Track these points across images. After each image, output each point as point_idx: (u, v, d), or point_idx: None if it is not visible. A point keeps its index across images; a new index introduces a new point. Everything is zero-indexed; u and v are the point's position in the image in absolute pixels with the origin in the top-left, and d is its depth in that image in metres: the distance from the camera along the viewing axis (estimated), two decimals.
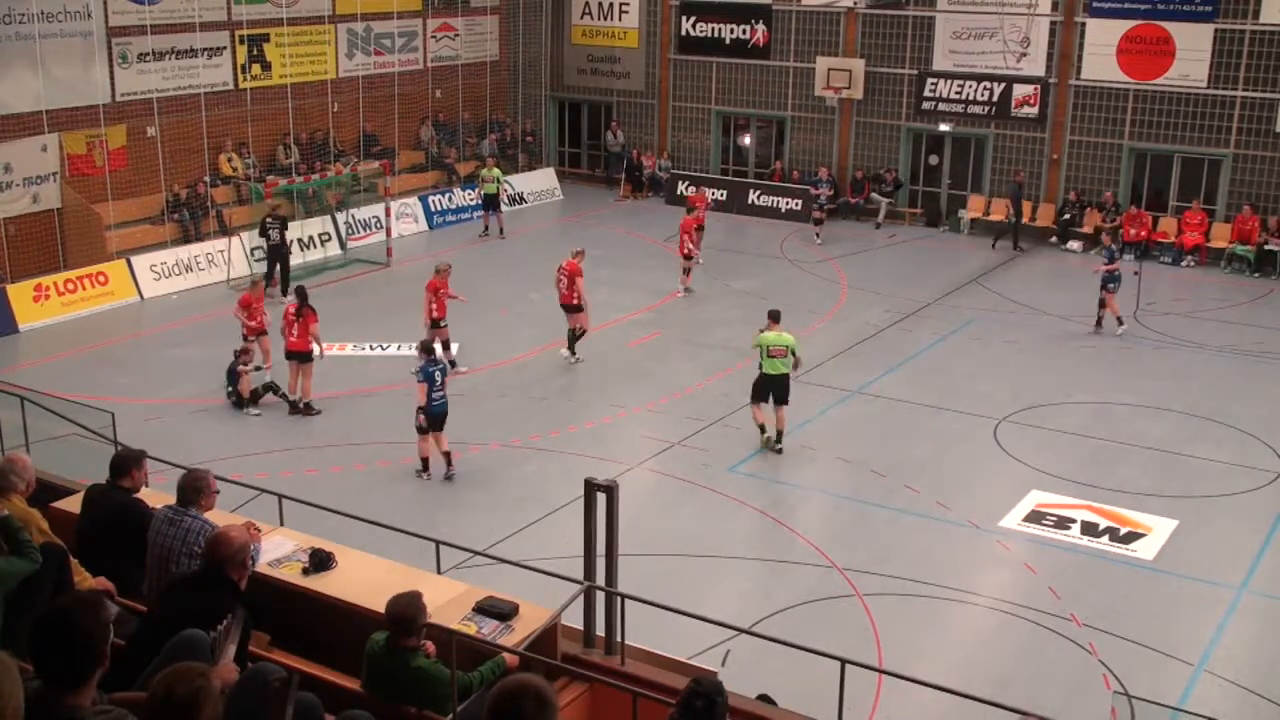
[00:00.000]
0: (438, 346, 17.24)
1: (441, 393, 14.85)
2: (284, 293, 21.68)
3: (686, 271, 22.98)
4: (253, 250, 23.86)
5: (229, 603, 6.03)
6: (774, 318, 16.19)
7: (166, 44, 24.76)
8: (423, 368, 14.82)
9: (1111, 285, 20.58)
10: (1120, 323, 20.83)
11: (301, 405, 17.03)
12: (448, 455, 15.02)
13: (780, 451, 15.92)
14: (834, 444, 16.41)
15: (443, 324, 18.35)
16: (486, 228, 27.47)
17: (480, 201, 27.93)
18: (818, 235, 27.06)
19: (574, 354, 19.07)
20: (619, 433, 16.62)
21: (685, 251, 22.79)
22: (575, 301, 18.87)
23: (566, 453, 15.77)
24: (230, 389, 17.36)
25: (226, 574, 6.16)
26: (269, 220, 22.77)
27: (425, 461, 15.08)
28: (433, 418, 14.85)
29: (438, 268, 18.76)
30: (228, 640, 5.44)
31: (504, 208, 28.13)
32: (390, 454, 15.71)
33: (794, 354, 15.89)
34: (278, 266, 22.75)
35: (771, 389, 15.92)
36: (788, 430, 15.91)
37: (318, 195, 25.47)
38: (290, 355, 17.03)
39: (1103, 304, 20.83)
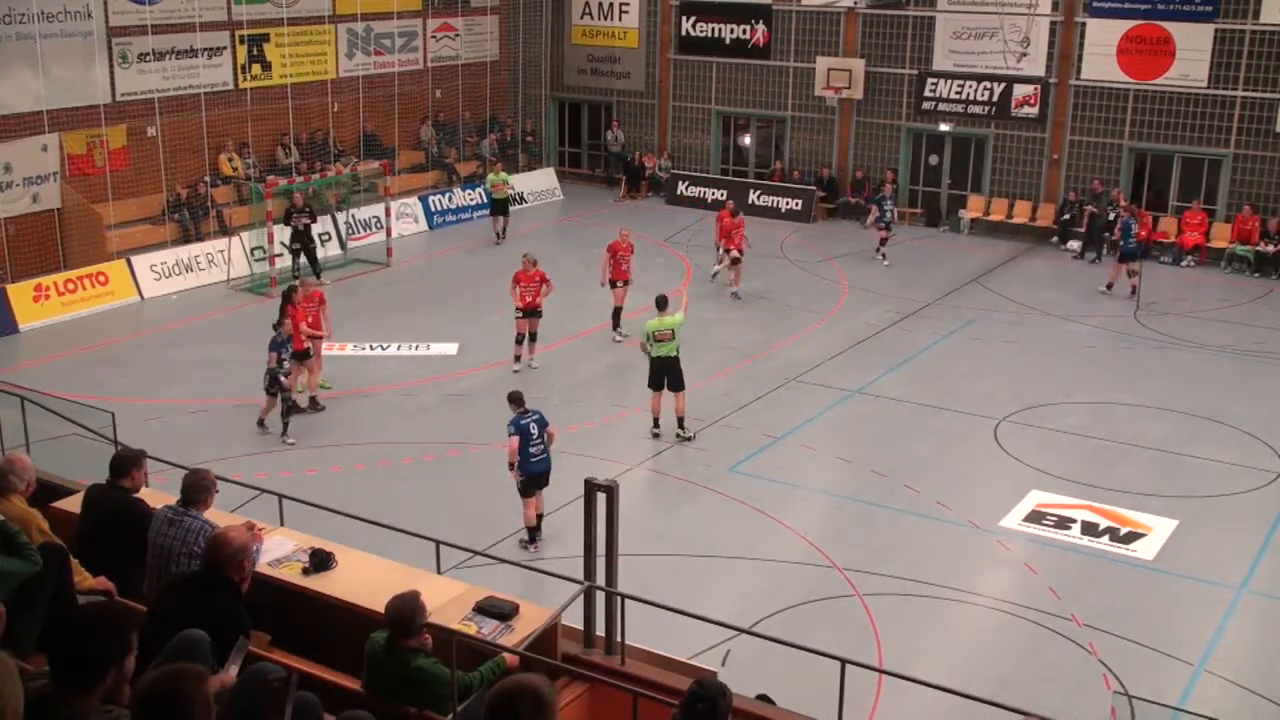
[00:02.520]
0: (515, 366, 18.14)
1: (540, 446, 13.01)
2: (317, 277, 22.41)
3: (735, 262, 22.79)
4: (252, 251, 23.88)
5: (229, 604, 6.04)
6: (660, 305, 16.38)
7: (167, 44, 24.76)
8: (514, 420, 13.03)
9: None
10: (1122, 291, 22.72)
11: (308, 400, 17.12)
12: (540, 519, 13.31)
13: (691, 438, 16.09)
14: (834, 444, 16.41)
15: (520, 315, 18.50)
16: (498, 234, 26.68)
17: (489, 205, 27.17)
18: (883, 256, 25.09)
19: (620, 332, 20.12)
20: (619, 433, 16.61)
21: (739, 246, 22.54)
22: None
23: (567, 453, 15.70)
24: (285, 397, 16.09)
25: (226, 575, 6.16)
26: (296, 211, 23.15)
27: (531, 531, 13.33)
28: (532, 478, 13.06)
29: (525, 259, 18.70)
30: (234, 658, 5.46)
31: (511, 209, 27.36)
32: (390, 454, 15.70)
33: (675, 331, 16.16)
34: (302, 257, 23.28)
35: (664, 374, 16.08)
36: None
37: (318, 195, 25.46)
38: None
39: (1132, 274, 22.60)
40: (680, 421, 16.21)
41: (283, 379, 15.89)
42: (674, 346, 16.03)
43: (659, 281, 23.34)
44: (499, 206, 26.83)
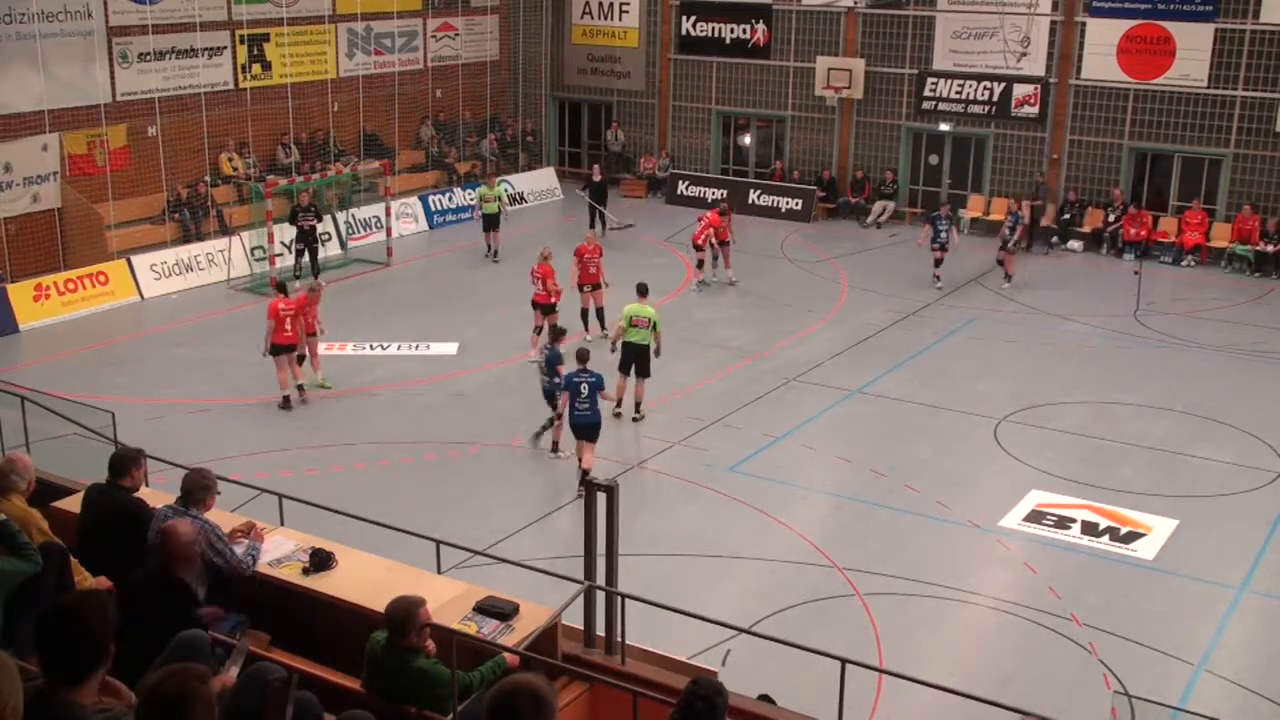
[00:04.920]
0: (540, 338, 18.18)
1: (587, 404, 14.38)
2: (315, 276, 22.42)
3: (700, 264, 23.15)
4: (253, 250, 23.88)
5: (182, 603, 5.99)
6: (641, 291, 17.17)
7: (167, 44, 24.76)
8: (567, 376, 14.53)
9: (1012, 246, 23.65)
10: (1008, 279, 23.56)
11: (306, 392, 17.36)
12: (585, 472, 14.00)
13: (639, 419, 16.74)
14: (834, 444, 16.41)
15: (553, 309, 18.84)
16: (489, 248, 25.44)
17: (481, 221, 25.74)
18: (937, 279, 23.52)
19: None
20: (619, 433, 16.61)
21: (699, 242, 22.91)
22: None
23: (567, 452, 15.75)
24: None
25: (177, 575, 6.12)
26: (302, 211, 23.15)
27: (584, 474, 14.08)
28: (575, 428, 14.56)
29: (543, 253, 19.14)
30: (234, 660, 5.47)
31: (502, 224, 25.61)
32: (390, 453, 15.70)
33: (656, 328, 16.76)
34: (307, 255, 23.44)
35: (633, 360, 16.69)
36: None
37: (318, 195, 25.45)
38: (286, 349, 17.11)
39: (1001, 262, 23.59)
40: (638, 405, 16.81)
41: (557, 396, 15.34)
42: (646, 335, 16.67)
43: (658, 280, 23.38)
44: (489, 221, 25.47)
